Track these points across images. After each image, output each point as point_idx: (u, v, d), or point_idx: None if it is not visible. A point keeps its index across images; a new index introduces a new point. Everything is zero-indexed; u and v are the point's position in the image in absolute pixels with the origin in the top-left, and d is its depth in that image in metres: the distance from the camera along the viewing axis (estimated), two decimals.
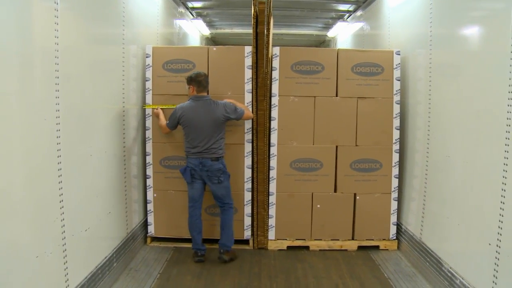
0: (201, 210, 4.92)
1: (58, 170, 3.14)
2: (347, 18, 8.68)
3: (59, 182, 3.15)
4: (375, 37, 6.91)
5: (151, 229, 5.29)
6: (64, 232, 3.21)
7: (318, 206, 5.23)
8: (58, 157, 3.13)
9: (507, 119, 3.11)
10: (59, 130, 3.13)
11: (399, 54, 5.19)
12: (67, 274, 3.25)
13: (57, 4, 3.08)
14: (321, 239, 5.28)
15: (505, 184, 3.14)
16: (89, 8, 3.78)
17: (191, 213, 4.85)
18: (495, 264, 3.23)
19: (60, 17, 3.11)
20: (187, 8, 8.02)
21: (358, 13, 7.91)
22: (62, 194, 3.18)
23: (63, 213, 3.19)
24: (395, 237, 5.29)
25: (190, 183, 4.80)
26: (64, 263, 3.21)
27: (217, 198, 4.84)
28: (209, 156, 4.67)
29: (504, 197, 3.15)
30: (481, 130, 3.55)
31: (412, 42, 5.17)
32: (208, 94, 4.76)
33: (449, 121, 4.17)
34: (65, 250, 3.22)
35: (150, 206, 5.26)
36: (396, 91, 5.16)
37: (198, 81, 4.68)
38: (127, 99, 4.67)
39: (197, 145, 4.67)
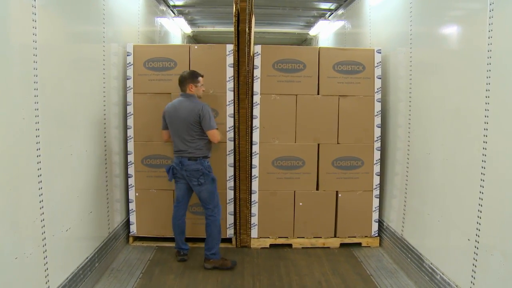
0: (186, 210, 4.88)
1: (38, 169, 3.10)
2: (329, 16, 8.71)
3: (38, 182, 3.11)
4: (357, 35, 6.95)
5: (133, 229, 5.25)
6: (44, 232, 3.17)
7: (301, 204, 5.25)
8: (37, 156, 3.09)
9: (485, 116, 3.16)
10: (38, 130, 3.09)
11: (380, 53, 5.23)
12: (48, 275, 3.20)
13: (35, 1, 3.04)
14: (303, 237, 5.30)
15: (483, 181, 3.19)
16: (68, 5, 3.73)
17: (174, 212, 4.84)
18: (474, 259, 3.28)
19: (38, 14, 3.06)
20: (168, 6, 7.98)
21: (340, 11, 7.96)
22: (42, 194, 3.13)
23: (43, 213, 3.15)
24: (377, 234, 5.34)
25: (175, 183, 4.79)
26: (45, 264, 3.17)
27: (200, 201, 4.74)
28: (187, 156, 4.58)
29: (482, 193, 3.20)
30: (460, 127, 3.60)
31: (393, 40, 5.22)
32: (187, 92, 4.63)
33: (429, 118, 4.22)
34: (46, 251, 3.18)
35: (132, 205, 5.22)
36: (377, 89, 5.20)
37: (178, 80, 4.67)
38: (108, 97, 4.62)
39: (176, 144, 4.65)
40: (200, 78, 4.65)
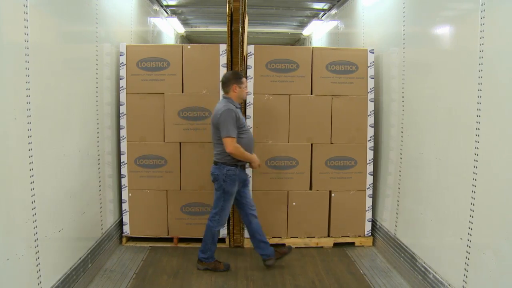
0: (246, 211, 4.70)
1: (30, 170, 3.08)
2: (322, 16, 8.73)
3: (31, 183, 3.09)
4: (350, 35, 6.97)
5: (126, 229, 5.24)
6: (36, 233, 3.15)
7: (294, 203, 5.25)
8: (29, 157, 3.07)
9: (477, 116, 3.18)
10: (30, 130, 3.07)
11: (373, 53, 5.24)
12: (40, 276, 3.19)
13: (26, 0, 3.02)
14: (297, 237, 5.31)
15: (475, 180, 3.21)
16: (61, 5, 3.71)
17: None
18: (466, 258, 3.30)
19: (30, 13, 3.04)
20: (161, 6, 7.96)
21: (333, 11, 7.97)
22: (34, 195, 3.12)
23: (35, 214, 3.13)
24: (370, 234, 5.35)
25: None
26: (37, 266, 3.15)
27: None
28: (214, 159, 4.51)
29: (474, 192, 3.22)
30: (452, 127, 3.62)
31: (386, 40, 5.23)
32: (227, 94, 4.47)
33: (422, 118, 4.24)
34: (38, 252, 3.17)
35: (125, 206, 5.21)
36: (370, 89, 5.22)
37: (221, 81, 4.57)
38: (101, 97, 4.61)
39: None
40: (244, 79, 4.51)
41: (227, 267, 4.65)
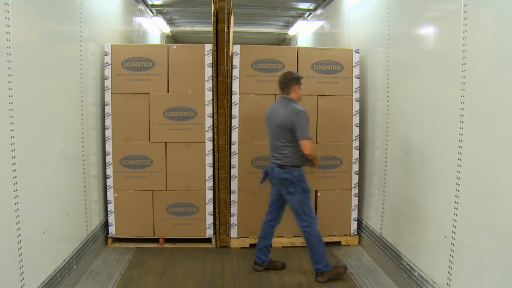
0: (275, 216, 4.62)
1: (13, 171, 3.04)
2: (308, 16, 8.75)
3: (13, 184, 3.05)
4: (335, 35, 7.00)
5: (112, 230, 5.20)
6: (19, 235, 3.11)
7: None
8: (12, 158, 3.04)
9: (460, 115, 3.21)
10: (13, 130, 3.03)
11: (358, 52, 5.27)
12: (23, 279, 3.15)
13: None
14: (283, 236, 5.32)
15: (459, 179, 3.24)
16: (43, 4, 3.67)
17: (265, 216, 4.68)
18: (450, 255, 3.34)
19: (12, 12, 3.00)
20: (146, 5, 7.92)
21: (318, 11, 8.00)
22: (17, 196, 3.08)
23: (18, 215, 3.09)
24: (356, 233, 5.38)
25: (271, 186, 4.59)
26: (20, 268, 3.12)
27: (293, 213, 4.43)
28: (276, 162, 4.33)
29: (458, 191, 3.25)
30: (436, 126, 3.65)
31: (371, 40, 5.27)
32: (289, 95, 4.33)
33: (406, 117, 4.27)
34: (21, 254, 3.13)
35: (110, 207, 5.17)
36: (356, 88, 5.24)
37: (278, 81, 4.40)
38: (85, 98, 4.57)
39: (270, 148, 4.46)
40: (302, 80, 4.39)
41: (345, 268, 4.52)
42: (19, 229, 3.11)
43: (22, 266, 3.14)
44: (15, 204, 3.07)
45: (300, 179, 4.30)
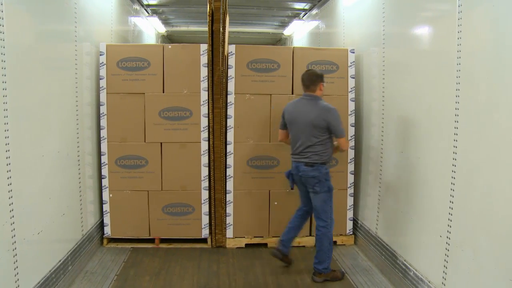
0: (307, 214, 4.64)
1: (7, 172, 3.03)
2: (303, 16, 8.76)
3: (8, 185, 3.04)
4: (330, 35, 7.01)
5: (107, 230, 5.19)
6: (14, 236, 3.10)
7: (276, 203, 5.26)
8: (7, 158, 3.02)
9: (455, 115, 3.22)
10: (7, 131, 3.02)
11: (353, 52, 5.28)
12: (18, 280, 3.14)
13: None
14: (279, 236, 5.31)
15: (454, 178, 3.25)
16: (38, 3, 3.65)
17: (296, 211, 4.71)
18: (445, 255, 3.35)
19: (5, 11, 2.98)
20: (142, 5, 7.91)
21: (314, 11, 8.01)
22: (11, 197, 3.07)
23: (13, 216, 3.08)
24: (351, 232, 5.39)
25: (298, 188, 4.57)
26: (15, 269, 3.11)
27: (314, 210, 4.42)
28: (304, 161, 4.29)
29: (453, 190, 3.26)
30: (432, 126, 3.66)
31: (366, 40, 5.28)
32: (314, 93, 4.32)
33: (401, 117, 4.28)
34: (16, 255, 3.12)
35: (106, 207, 5.16)
36: (351, 88, 5.25)
37: (301, 79, 4.38)
38: (80, 98, 4.56)
39: (294, 147, 4.40)
40: (324, 78, 4.41)
41: (343, 274, 4.50)
42: (14, 229, 3.10)
43: (17, 267, 3.13)
44: (10, 205, 3.06)
45: (327, 177, 4.32)
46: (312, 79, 4.32)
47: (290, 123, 4.44)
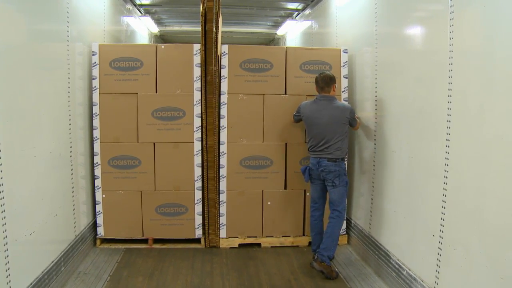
0: (323, 211, 4.80)
1: None
2: (296, 16, 8.77)
3: (0, 185, 3.03)
4: (323, 35, 7.02)
5: (100, 231, 5.17)
6: (6, 237, 3.08)
7: (269, 203, 5.27)
8: None
9: (447, 115, 3.24)
10: None
11: (346, 52, 5.29)
12: (10, 281, 3.12)
13: None
14: (272, 236, 5.33)
15: (446, 178, 3.27)
16: (30, 3, 3.63)
17: (311, 213, 4.86)
18: (438, 254, 3.36)
19: None
20: (135, 5, 7.88)
21: (307, 11, 8.02)
22: (3, 198, 3.05)
23: (4, 217, 3.06)
24: (345, 232, 5.40)
25: (311, 183, 4.81)
26: (6, 270, 3.09)
27: (330, 202, 4.65)
28: (326, 156, 4.55)
29: (446, 190, 3.28)
30: (424, 126, 3.68)
31: (359, 40, 5.29)
32: (329, 94, 4.62)
33: (394, 117, 4.30)
34: (7, 256, 3.10)
35: (99, 207, 5.14)
36: (344, 88, 5.26)
37: (315, 81, 4.66)
38: (73, 98, 4.54)
39: (315, 144, 4.62)
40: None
41: (337, 274, 4.51)
42: (6, 230, 3.08)
43: (9, 269, 3.11)
44: (1, 206, 3.04)
45: (345, 172, 4.68)
46: (327, 81, 4.61)
47: (311, 124, 4.68)
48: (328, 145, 4.55)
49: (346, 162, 4.58)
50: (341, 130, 4.55)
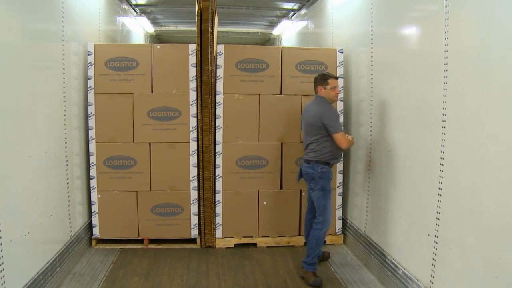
0: (314, 215, 4.56)
1: None
2: (292, 16, 8.78)
3: None
4: (319, 35, 7.03)
5: (96, 231, 5.16)
6: (0, 238, 3.07)
7: (265, 203, 5.27)
8: None
9: (443, 115, 3.24)
10: None
11: (342, 52, 5.30)
12: (4, 283, 3.11)
13: None
14: (268, 236, 5.33)
15: (441, 177, 3.28)
16: (24, 2, 3.62)
17: (305, 214, 4.81)
18: (433, 253, 3.37)
19: None
20: (130, 4, 7.87)
21: (303, 11, 8.02)
22: None
23: None
24: (341, 232, 5.41)
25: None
26: (1, 271, 3.08)
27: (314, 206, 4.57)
28: (304, 157, 4.53)
29: (441, 189, 3.29)
30: (419, 125, 3.68)
31: (355, 40, 5.30)
32: (317, 93, 4.48)
33: (390, 117, 4.30)
34: (2, 257, 3.09)
35: (94, 208, 5.13)
36: (340, 88, 5.26)
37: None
38: (68, 98, 4.53)
39: (303, 144, 4.60)
40: (330, 80, 4.44)
41: (317, 283, 4.35)
42: (0, 231, 3.07)
43: (3, 270, 3.10)
44: None
45: (322, 176, 4.39)
46: (314, 82, 4.54)
47: (302, 124, 4.63)
48: (305, 146, 4.52)
49: (327, 167, 4.38)
50: (314, 132, 4.37)
